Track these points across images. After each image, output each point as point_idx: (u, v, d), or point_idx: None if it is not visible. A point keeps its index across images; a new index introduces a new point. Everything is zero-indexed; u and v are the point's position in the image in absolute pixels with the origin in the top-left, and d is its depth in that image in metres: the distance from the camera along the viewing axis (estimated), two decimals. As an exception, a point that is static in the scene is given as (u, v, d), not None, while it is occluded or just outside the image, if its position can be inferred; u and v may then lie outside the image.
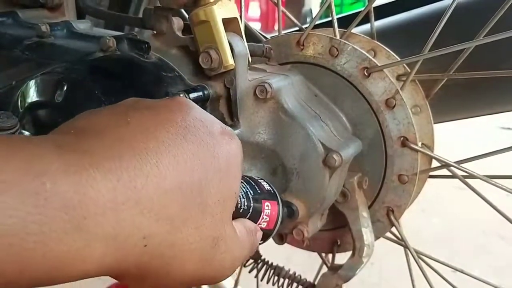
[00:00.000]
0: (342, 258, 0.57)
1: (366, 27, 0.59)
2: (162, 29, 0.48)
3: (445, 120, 0.63)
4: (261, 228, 0.41)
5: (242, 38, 0.48)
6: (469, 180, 0.53)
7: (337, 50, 0.53)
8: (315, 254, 0.65)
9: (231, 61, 0.45)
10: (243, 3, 0.60)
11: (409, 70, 0.54)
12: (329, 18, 0.57)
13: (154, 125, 0.30)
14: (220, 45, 0.45)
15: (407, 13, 0.63)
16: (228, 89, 0.48)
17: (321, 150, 0.49)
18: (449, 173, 0.55)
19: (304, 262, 0.78)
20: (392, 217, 0.55)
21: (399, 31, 0.62)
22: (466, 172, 0.53)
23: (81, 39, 0.51)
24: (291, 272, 0.63)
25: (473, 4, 0.58)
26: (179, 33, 0.48)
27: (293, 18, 0.62)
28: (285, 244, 0.57)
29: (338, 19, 0.55)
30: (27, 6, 0.57)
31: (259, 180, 0.43)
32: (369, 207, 0.56)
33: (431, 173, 0.57)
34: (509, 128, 2.70)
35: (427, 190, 0.60)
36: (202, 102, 0.47)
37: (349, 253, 0.55)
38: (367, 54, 0.53)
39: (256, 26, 0.66)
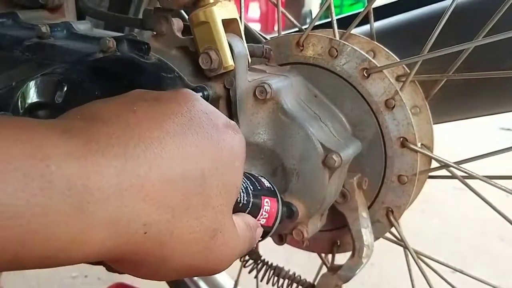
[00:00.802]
0: (341, 258, 0.57)
1: (366, 28, 0.59)
2: (162, 30, 0.48)
3: (445, 121, 0.63)
4: (261, 225, 0.41)
5: (242, 39, 0.48)
6: (468, 181, 0.54)
7: (337, 51, 0.53)
8: (315, 254, 0.65)
9: (230, 62, 0.45)
10: (242, 4, 0.60)
11: (408, 71, 0.54)
12: (329, 19, 0.57)
13: (159, 115, 0.30)
14: (220, 46, 0.45)
15: (407, 14, 0.63)
16: (227, 89, 0.48)
17: (321, 151, 0.49)
18: (448, 174, 0.55)
19: (303, 263, 0.78)
20: (391, 218, 0.56)
21: (398, 32, 0.62)
22: (465, 172, 0.53)
23: (81, 40, 0.51)
24: (291, 273, 0.63)
25: (473, 5, 0.58)
26: (179, 34, 0.48)
27: (292, 19, 0.62)
28: (285, 245, 0.57)
29: (337, 20, 0.55)
30: (27, 7, 0.57)
31: (259, 177, 0.43)
32: (369, 207, 0.56)
33: (431, 174, 0.57)
34: (508, 129, 2.70)
35: (427, 190, 0.60)
36: (202, 102, 0.47)
37: (348, 254, 0.55)
38: (367, 55, 0.53)
39: (256, 27, 0.67)
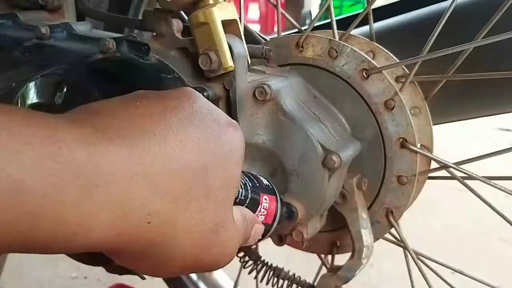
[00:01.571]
0: (341, 259, 0.57)
1: (365, 29, 0.60)
2: (162, 31, 0.48)
3: (444, 122, 0.63)
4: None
5: (242, 40, 0.48)
6: (468, 182, 0.54)
7: (336, 52, 0.53)
8: (315, 255, 0.65)
9: (230, 63, 0.45)
10: (242, 5, 0.60)
11: (408, 72, 0.54)
12: (328, 20, 0.57)
13: (162, 110, 0.31)
14: (219, 47, 0.45)
15: (406, 15, 0.63)
16: (227, 90, 0.48)
17: (320, 152, 0.49)
18: (448, 175, 0.55)
19: (303, 264, 0.78)
20: (391, 218, 0.56)
21: (398, 32, 0.62)
22: (465, 173, 0.53)
23: (81, 41, 0.51)
24: (290, 273, 0.63)
25: (472, 6, 0.58)
26: (179, 35, 0.48)
27: (292, 20, 0.62)
28: (285, 246, 0.57)
29: (337, 21, 0.55)
30: (26, 8, 0.57)
31: (257, 175, 0.43)
32: (368, 208, 0.56)
33: (430, 174, 0.57)
34: (507, 130, 2.70)
35: (426, 191, 0.60)
36: (201, 103, 0.47)
37: (348, 255, 0.55)
38: (366, 56, 0.53)
39: (255, 28, 0.67)
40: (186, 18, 0.48)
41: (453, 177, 0.54)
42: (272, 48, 0.55)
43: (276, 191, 0.43)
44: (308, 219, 0.52)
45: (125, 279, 0.80)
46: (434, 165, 0.57)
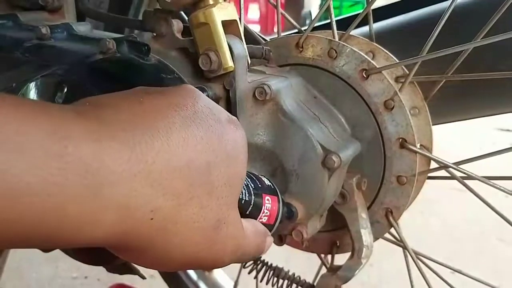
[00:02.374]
0: (341, 259, 0.57)
1: (365, 29, 0.60)
2: (162, 31, 0.48)
3: (444, 122, 0.63)
4: (262, 223, 0.41)
5: (242, 40, 0.48)
6: (467, 181, 0.54)
7: (336, 52, 0.53)
8: (314, 255, 0.65)
9: (230, 63, 0.46)
10: (242, 6, 0.61)
11: (407, 72, 0.54)
12: (328, 20, 0.57)
13: (165, 107, 0.31)
14: (219, 47, 0.45)
15: (406, 15, 0.63)
16: (227, 91, 0.48)
17: (320, 152, 0.49)
18: (447, 175, 0.55)
19: (303, 263, 0.78)
20: (391, 218, 0.56)
21: (397, 33, 0.63)
22: (464, 173, 0.54)
23: (81, 41, 0.51)
24: (290, 273, 0.63)
25: (472, 6, 0.58)
26: (179, 35, 0.48)
27: (292, 21, 0.62)
28: (285, 245, 0.58)
29: (337, 21, 0.55)
30: (27, 8, 0.57)
31: (259, 176, 0.43)
32: (368, 208, 0.56)
33: (430, 174, 0.58)
34: (507, 130, 2.70)
35: (426, 191, 0.60)
36: (201, 104, 0.47)
37: (348, 254, 0.55)
38: (366, 56, 0.53)
39: (255, 28, 0.67)
40: (186, 18, 0.48)
41: (452, 177, 0.55)
42: (272, 49, 0.56)
43: (278, 191, 0.43)
44: (308, 219, 0.52)
45: (125, 279, 0.80)
46: (433, 165, 0.57)
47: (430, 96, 0.56)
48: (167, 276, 0.98)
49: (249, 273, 0.67)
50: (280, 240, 0.56)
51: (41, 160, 0.23)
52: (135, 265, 0.51)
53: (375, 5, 0.59)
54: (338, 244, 0.60)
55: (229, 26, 0.47)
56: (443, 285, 0.61)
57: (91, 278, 1.31)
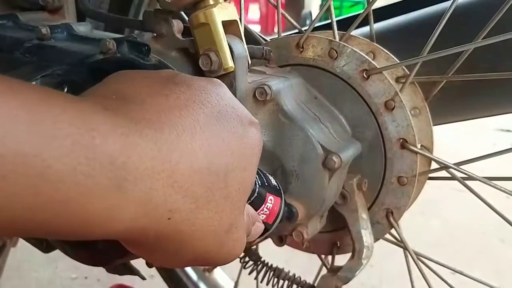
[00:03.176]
0: (341, 260, 0.57)
1: (365, 29, 0.60)
2: (162, 31, 0.48)
3: (444, 122, 0.63)
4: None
5: (242, 40, 0.48)
6: (468, 182, 0.54)
7: (337, 52, 0.53)
8: (315, 256, 0.65)
9: (230, 63, 0.45)
10: (242, 6, 0.61)
11: (408, 72, 0.54)
12: (329, 21, 0.57)
13: (191, 103, 0.31)
14: (219, 47, 0.45)
15: (406, 16, 0.63)
16: (227, 91, 0.48)
17: (321, 152, 0.49)
18: (448, 175, 0.55)
19: (303, 264, 0.78)
20: (391, 219, 0.56)
21: (398, 33, 0.62)
22: (465, 174, 0.53)
23: (81, 41, 0.51)
24: (290, 274, 0.63)
25: (472, 6, 0.58)
26: (179, 36, 0.48)
27: (292, 21, 0.62)
28: (285, 246, 0.58)
29: (337, 21, 0.55)
30: (27, 8, 0.57)
31: (267, 174, 0.43)
32: (369, 209, 0.56)
33: (431, 175, 0.58)
34: (508, 130, 2.70)
35: (427, 192, 0.60)
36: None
37: (348, 255, 0.55)
38: (366, 56, 0.53)
39: (256, 29, 0.67)
40: (187, 18, 0.48)
41: (453, 178, 0.54)
42: (273, 49, 0.55)
43: (282, 193, 0.43)
44: (308, 219, 0.52)
45: (125, 279, 0.80)
46: (434, 165, 0.57)
47: (430, 96, 0.56)
48: (167, 276, 0.98)
49: (249, 273, 0.67)
50: (280, 240, 0.56)
51: (70, 149, 0.23)
52: (135, 266, 0.51)
53: (376, 5, 0.59)
54: (338, 244, 0.60)
55: (230, 26, 0.47)
56: (443, 285, 0.61)
57: (91, 279, 1.31)
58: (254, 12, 4.97)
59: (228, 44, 0.45)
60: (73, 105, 0.25)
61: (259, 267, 0.65)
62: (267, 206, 0.41)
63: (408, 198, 0.54)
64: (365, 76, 0.52)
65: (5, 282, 1.19)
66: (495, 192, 0.53)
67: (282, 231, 0.53)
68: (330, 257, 0.62)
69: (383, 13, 0.63)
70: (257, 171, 0.42)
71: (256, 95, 0.49)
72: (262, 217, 0.41)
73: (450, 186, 0.80)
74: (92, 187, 0.24)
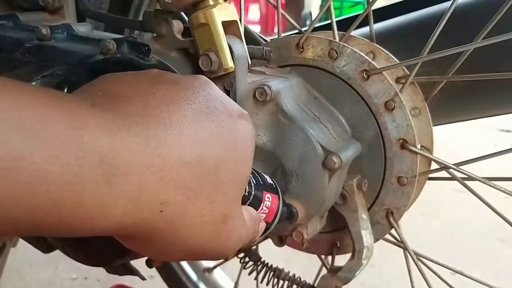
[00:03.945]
0: (341, 260, 0.57)
1: (365, 29, 0.60)
2: (162, 32, 0.48)
3: (444, 123, 0.63)
4: None
5: (242, 41, 0.48)
6: (468, 182, 0.54)
7: (336, 53, 0.53)
8: (315, 256, 0.65)
9: (230, 63, 0.45)
10: (242, 6, 0.61)
11: (408, 73, 0.54)
12: (329, 21, 0.57)
13: (178, 99, 0.31)
14: (219, 48, 0.45)
15: (406, 16, 0.63)
16: (227, 91, 0.48)
17: (321, 152, 0.49)
18: (448, 175, 0.55)
19: (303, 264, 0.78)
20: (391, 219, 0.56)
21: (398, 33, 0.62)
22: (465, 174, 0.53)
23: (82, 42, 0.51)
24: (290, 274, 0.63)
25: (472, 7, 0.58)
26: (179, 36, 0.48)
27: (292, 21, 0.62)
28: (285, 246, 0.58)
29: (337, 22, 0.55)
30: (27, 9, 0.57)
31: (262, 173, 0.43)
32: (369, 209, 0.56)
33: (430, 175, 0.58)
34: (508, 131, 2.70)
35: (427, 192, 0.60)
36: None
37: (348, 255, 0.55)
38: (366, 57, 0.53)
39: (256, 29, 0.67)
40: (187, 19, 0.48)
41: (453, 178, 0.54)
42: (273, 49, 0.56)
43: (279, 190, 0.43)
44: (308, 220, 0.52)
45: (125, 279, 0.80)
46: (434, 166, 0.57)
47: (430, 96, 0.56)
48: (167, 277, 0.98)
49: (249, 274, 0.67)
50: (280, 241, 0.56)
51: (59, 149, 0.24)
52: (135, 266, 0.51)
53: (376, 5, 0.59)
54: (338, 245, 0.60)
55: (230, 26, 0.47)
56: (443, 286, 0.61)
57: (91, 279, 1.31)
58: (254, 12, 4.97)
59: (228, 44, 0.45)
60: (61, 104, 0.25)
61: (259, 267, 0.65)
62: (266, 204, 0.41)
63: (408, 198, 0.54)
64: (365, 76, 0.52)
65: (5, 282, 1.19)
66: (495, 192, 0.53)
67: (282, 231, 0.53)
68: (330, 258, 0.62)
69: (383, 14, 0.63)
70: (252, 170, 0.42)
71: (256, 95, 0.49)
72: (262, 216, 0.41)
73: (450, 187, 0.80)
74: (82, 185, 0.25)
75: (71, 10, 0.59)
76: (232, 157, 0.33)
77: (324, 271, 0.62)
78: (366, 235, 0.54)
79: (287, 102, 0.50)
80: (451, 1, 0.50)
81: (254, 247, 0.68)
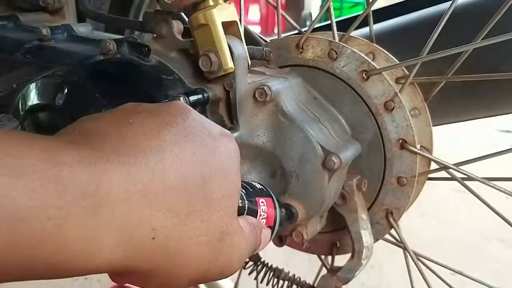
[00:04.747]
0: (341, 260, 0.57)
1: (365, 30, 0.60)
2: (162, 32, 0.48)
3: (444, 123, 0.63)
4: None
5: (242, 41, 0.48)
6: (468, 183, 0.54)
7: (336, 53, 0.53)
8: (315, 256, 0.65)
9: (230, 64, 0.46)
10: (242, 7, 0.61)
11: (407, 73, 0.54)
12: (329, 22, 0.57)
13: (155, 126, 0.31)
14: (219, 48, 0.45)
15: (406, 16, 0.63)
16: (227, 92, 0.48)
17: (320, 153, 0.49)
18: (448, 176, 0.55)
19: (303, 264, 0.78)
20: (391, 219, 0.56)
21: (397, 34, 0.63)
22: (465, 174, 0.54)
23: (82, 42, 0.51)
24: (290, 274, 0.63)
25: (471, 7, 0.58)
26: (179, 37, 0.48)
27: (292, 22, 0.62)
28: (285, 246, 0.58)
29: (337, 22, 0.55)
30: (27, 9, 0.57)
31: (249, 182, 0.43)
32: (368, 209, 0.56)
33: (430, 176, 0.58)
34: (507, 131, 2.70)
35: (426, 192, 0.60)
36: (201, 105, 0.47)
37: (348, 255, 0.55)
38: (366, 57, 0.53)
39: (255, 30, 0.67)
40: (187, 19, 0.48)
41: (453, 178, 0.55)
42: (272, 50, 0.56)
43: (271, 193, 0.43)
44: (308, 220, 0.52)
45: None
46: (433, 166, 0.57)
47: (430, 97, 0.56)
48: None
49: (249, 274, 0.67)
50: (280, 241, 0.56)
51: (39, 184, 0.23)
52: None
53: (376, 6, 0.59)
54: (338, 245, 0.60)
55: (229, 27, 0.47)
56: (443, 286, 0.61)
57: (91, 279, 1.31)
58: (254, 13, 4.97)
59: (228, 45, 0.45)
60: (37, 143, 0.25)
61: (259, 267, 0.65)
62: (262, 209, 0.41)
63: (407, 198, 0.54)
64: (364, 76, 0.52)
65: (5, 282, 1.18)
66: (495, 193, 0.53)
67: (282, 231, 0.53)
68: (330, 258, 0.62)
69: (382, 14, 0.64)
70: None
71: (256, 95, 0.49)
72: (263, 222, 0.41)
73: (449, 187, 0.80)
74: (66, 218, 0.24)
75: (71, 10, 0.59)
76: (219, 173, 0.32)
77: (324, 271, 0.62)
78: (366, 235, 0.54)
79: (287, 102, 0.50)
80: (451, 1, 0.50)
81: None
